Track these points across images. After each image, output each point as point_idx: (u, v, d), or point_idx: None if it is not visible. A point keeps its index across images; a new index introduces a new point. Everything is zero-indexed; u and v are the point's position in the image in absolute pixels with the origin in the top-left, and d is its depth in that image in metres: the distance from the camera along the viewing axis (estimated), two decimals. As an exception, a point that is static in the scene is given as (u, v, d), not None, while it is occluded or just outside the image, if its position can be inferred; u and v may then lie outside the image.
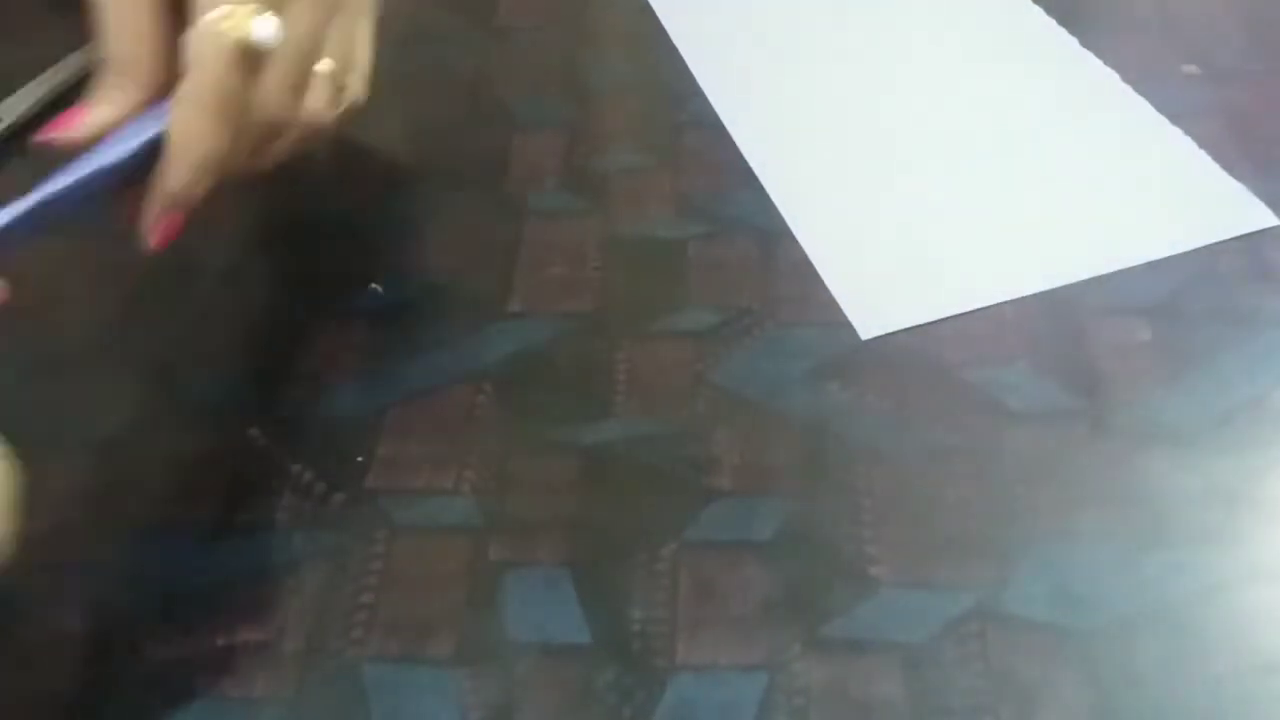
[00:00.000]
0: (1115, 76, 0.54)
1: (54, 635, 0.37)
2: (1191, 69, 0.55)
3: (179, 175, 0.39)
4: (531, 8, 0.62)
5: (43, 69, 0.58)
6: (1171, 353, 0.43)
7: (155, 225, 0.40)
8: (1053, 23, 0.58)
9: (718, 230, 0.49)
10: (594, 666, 0.36)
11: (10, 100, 0.56)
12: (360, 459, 0.42)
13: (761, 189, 0.50)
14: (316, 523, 0.40)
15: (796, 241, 0.48)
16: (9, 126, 0.55)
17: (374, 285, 0.47)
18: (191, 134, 0.39)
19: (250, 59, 0.39)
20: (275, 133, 0.41)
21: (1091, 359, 0.43)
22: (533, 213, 0.50)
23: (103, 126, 0.40)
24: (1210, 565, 0.37)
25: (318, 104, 0.42)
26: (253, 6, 0.39)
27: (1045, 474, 0.40)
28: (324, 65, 0.42)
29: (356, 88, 0.45)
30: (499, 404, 0.43)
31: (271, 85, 0.40)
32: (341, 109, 0.43)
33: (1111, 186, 0.49)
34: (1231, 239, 0.47)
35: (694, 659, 0.36)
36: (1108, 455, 0.40)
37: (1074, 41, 0.57)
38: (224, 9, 0.38)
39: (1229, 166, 0.49)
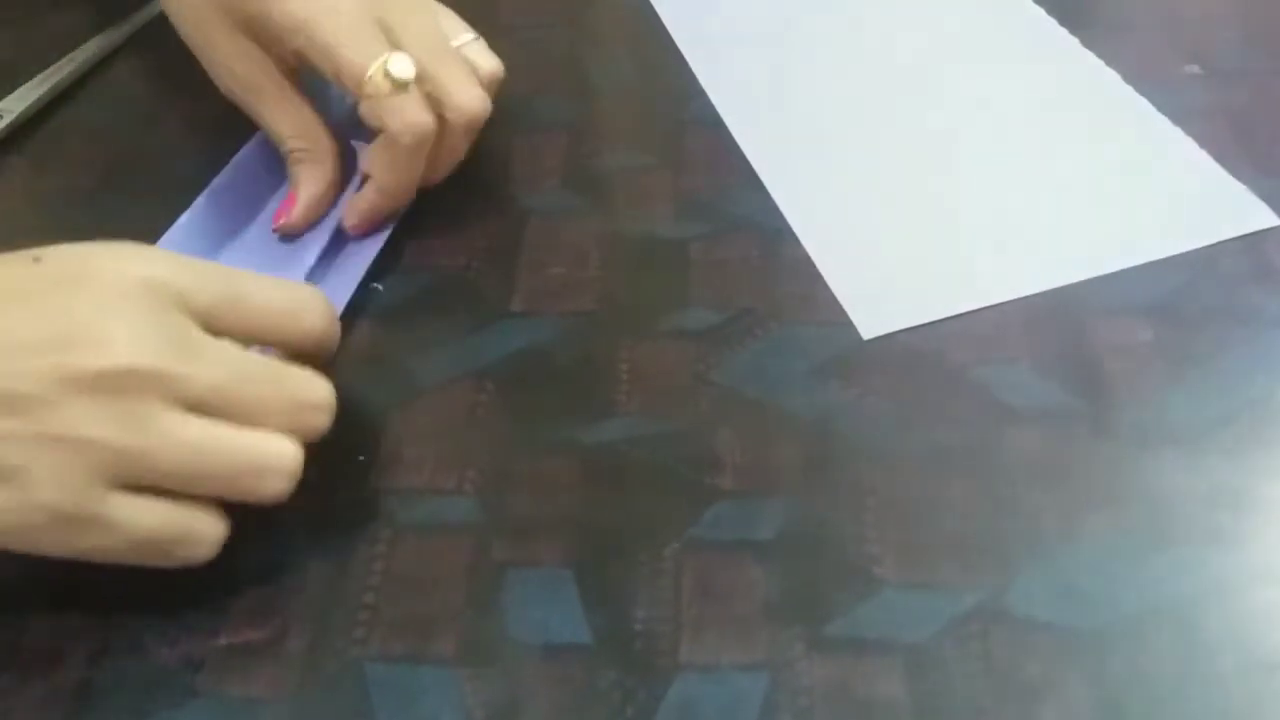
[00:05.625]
0: (1116, 76, 0.54)
1: (54, 635, 0.37)
2: (1192, 69, 0.55)
3: (384, 201, 0.48)
4: (532, 7, 0.62)
5: (45, 66, 0.58)
6: (1173, 353, 0.43)
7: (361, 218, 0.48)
8: (1053, 23, 0.58)
9: (719, 230, 0.49)
10: (596, 666, 0.36)
11: (12, 97, 0.56)
12: (362, 458, 0.42)
13: (763, 188, 0.50)
14: (319, 522, 0.40)
15: (798, 241, 0.48)
16: (11, 123, 0.55)
17: (374, 285, 0.47)
18: (400, 179, 0.48)
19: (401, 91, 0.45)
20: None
21: (1093, 359, 0.43)
22: (534, 212, 0.50)
23: (315, 203, 0.49)
24: (1214, 565, 0.37)
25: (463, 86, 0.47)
26: (381, 59, 0.45)
27: (1047, 474, 0.40)
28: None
29: (482, 58, 0.50)
30: (501, 404, 0.43)
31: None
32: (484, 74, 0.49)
33: (1113, 186, 0.49)
34: (1233, 239, 0.47)
35: (696, 659, 0.36)
36: (1110, 455, 0.40)
37: (1075, 41, 0.57)
38: (364, 76, 0.45)
39: (1230, 166, 0.49)
